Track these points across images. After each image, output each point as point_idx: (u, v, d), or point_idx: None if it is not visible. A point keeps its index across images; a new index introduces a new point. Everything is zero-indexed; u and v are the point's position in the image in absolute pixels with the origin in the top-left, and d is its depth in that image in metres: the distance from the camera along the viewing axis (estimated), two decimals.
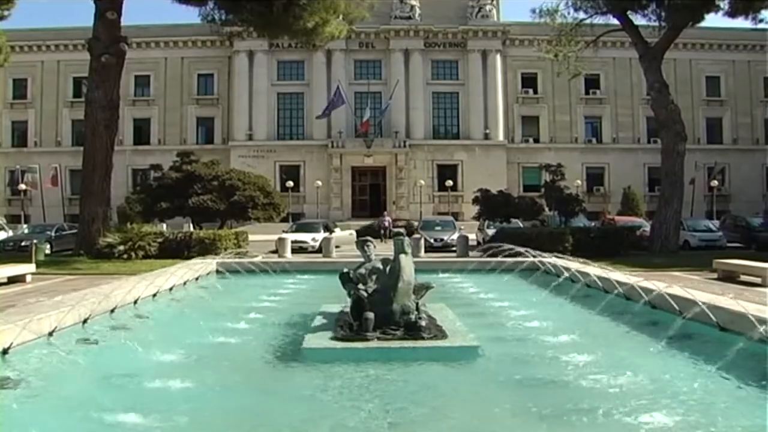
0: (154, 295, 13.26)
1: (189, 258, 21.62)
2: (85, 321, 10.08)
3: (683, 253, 29.74)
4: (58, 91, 63.14)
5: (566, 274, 15.27)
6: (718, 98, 64.36)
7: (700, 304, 9.41)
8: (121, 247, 25.64)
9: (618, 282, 12.54)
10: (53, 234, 35.52)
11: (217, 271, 18.46)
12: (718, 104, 64.35)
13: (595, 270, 14.54)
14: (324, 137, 61.18)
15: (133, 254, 25.52)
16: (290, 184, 56.21)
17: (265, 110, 61.92)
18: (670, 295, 10.33)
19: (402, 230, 9.78)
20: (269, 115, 62.20)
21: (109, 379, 7.57)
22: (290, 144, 61.83)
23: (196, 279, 16.81)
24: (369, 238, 10.52)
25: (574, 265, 15.90)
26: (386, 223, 39.39)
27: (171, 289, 14.40)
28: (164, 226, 36.44)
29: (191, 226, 36.94)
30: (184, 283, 15.59)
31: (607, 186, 62.85)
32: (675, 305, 10.11)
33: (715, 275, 18.95)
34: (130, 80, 60.30)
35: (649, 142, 61.17)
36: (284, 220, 44.56)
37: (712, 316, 9.14)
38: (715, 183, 56.68)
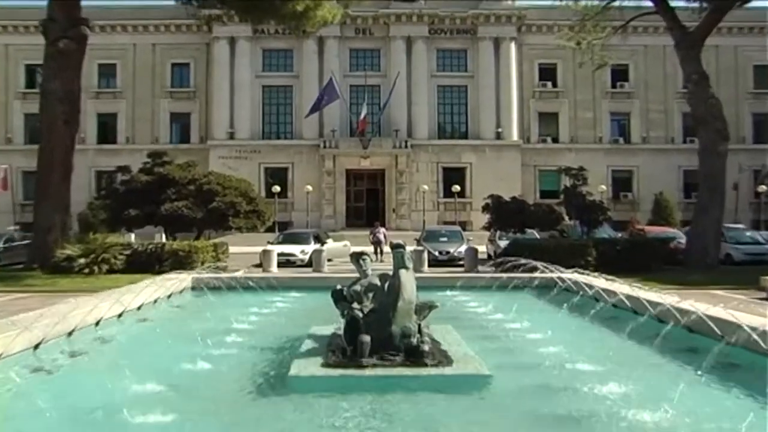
0: (120, 315, 13.19)
1: (160, 273, 21.55)
2: (36, 346, 9.98)
3: (724, 268, 29.60)
4: (8, 81, 63.01)
5: (589, 293, 15.20)
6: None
7: (745, 328, 9.31)
8: (82, 260, 25.49)
9: (649, 302, 12.47)
10: (1, 245, 35.32)
11: (193, 288, 18.40)
12: None
13: (622, 288, 14.47)
14: (315, 136, 61.20)
15: (95, 268, 25.36)
16: (277, 189, 56.15)
17: (249, 105, 61.96)
18: (710, 317, 10.26)
19: (402, 241, 9.72)
20: (253, 110, 62.24)
21: (64, 415, 7.45)
22: (277, 144, 61.84)
23: (169, 296, 16.73)
24: (365, 251, 10.47)
25: (599, 282, 15.82)
26: (381, 237, 38.37)
27: (139, 308, 14.32)
28: (132, 236, 36.30)
29: (163, 236, 36.78)
30: (155, 302, 15.52)
31: (635, 192, 62.85)
32: (716, 329, 10.03)
33: (763, 294, 18.82)
34: (93, 69, 60.22)
35: (684, 141, 61.18)
36: (269, 229, 44.28)
37: (761, 342, 9.04)
38: (763, 188, 56.37)
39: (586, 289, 15.65)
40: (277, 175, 60.41)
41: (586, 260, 25.79)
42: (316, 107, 57.47)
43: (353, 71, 62.37)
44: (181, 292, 17.74)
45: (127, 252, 26.78)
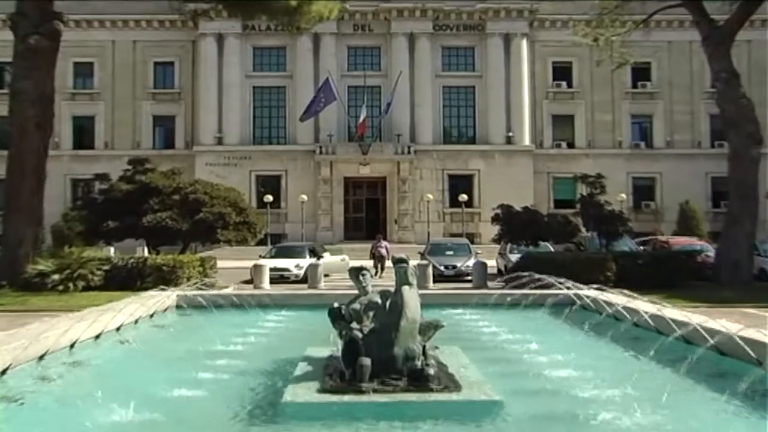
0: (97, 337, 13.15)
1: (142, 290, 21.50)
2: (3, 372, 9.93)
3: (758, 284, 29.44)
4: None
5: (609, 311, 15.17)
6: None
7: None
8: (56, 276, 25.39)
9: (675, 321, 12.42)
10: None
11: (178, 306, 18.37)
12: None
13: (645, 306, 14.43)
14: (310, 141, 61.25)
15: (71, 285, 25.23)
16: (269, 198, 56.21)
17: (238, 108, 62.05)
18: (743, 338, 10.21)
19: (405, 255, 9.70)
20: (243, 113, 62.32)
21: None
22: (269, 149, 61.91)
23: (151, 316, 16.70)
24: (365, 265, 10.44)
25: (619, 299, 15.80)
26: (382, 251, 38.22)
27: (119, 328, 14.28)
28: (112, 250, 36.27)
29: (145, 250, 36.74)
30: (136, 321, 15.48)
31: (658, 201, 62.85)
32: (751, 352, 9.99)
33: None
34: (68, 68, 60.37)
35: (713, 146, 61.20)
36: (261, 242, 44.29)
37: None
38: None
39: (606, 307, 15.61)
40: (270, 184, 60.45)
41: (605, 275, 25.72)
42: (313, 110, 57.46)
43: (351, 71, 62.49)
44: (164, 310, 17.70)
45: (106, 267, 26.67)
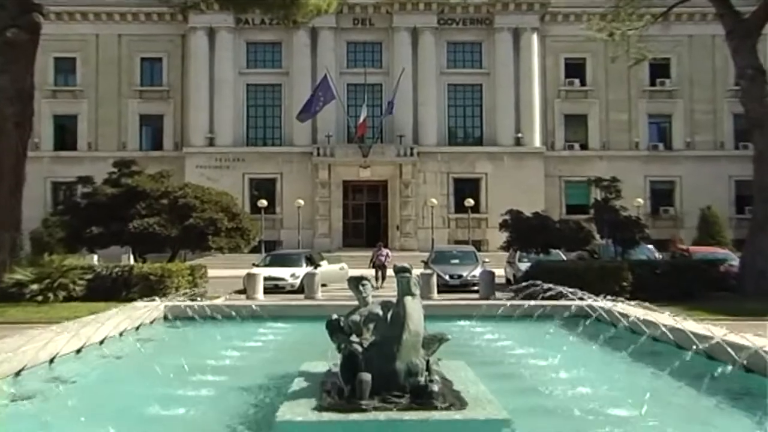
0: (79, 351, 13.12)
1: (128, 300, 21.45)
2: None
3: None
4: None
5: (625, 324, 15.14)
6: None
7: None
8: (35, 286, 25.36)
9: (696, 335, 12.39)
10: None
11: (166, 318, 18.34)
12: None
13: (663, 318, 14.40)
14: (307, 142, 61.27)
15: (51, 295, 25.21)
16: (263, 203, 56.17)
17: (231, 107, 62.08)
18: None
19: (407, 264, 9.69)
20: (236, 113, 62.36)
21: None
22: (263, 151, 61.95)
23: (137, 328, 16.68)
24: (365, 275, 10.42)
25: (636, 311, 15.76)
26: (383, 259, 38.14)
27: (102, 341, 14.26)
28: (95, 257, 36.20)
29: (132, 257, 36.77)
30: (121, 334, 15.46)
31: (678, 206, 62.83)
32: None
33: None
34: (49, 64, 60.47)
35: (737, 147, 61.19)
36: (255, 250, 44.46)
37: None
38: None
39: (621, 319, 15.58)
40: (264, 188, 60.48)
41: (620, 286, 25.71)
42: (312, 109, 57.19)
43: (351, 68, 62.55)
44: (151, 322, 17.68)
45: (89, 276, 26.64)
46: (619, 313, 16.11)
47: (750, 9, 32.09)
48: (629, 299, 17.96)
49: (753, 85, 31.47)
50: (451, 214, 61.01)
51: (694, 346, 12.06)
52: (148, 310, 17.78)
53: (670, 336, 13.24)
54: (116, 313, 16.46)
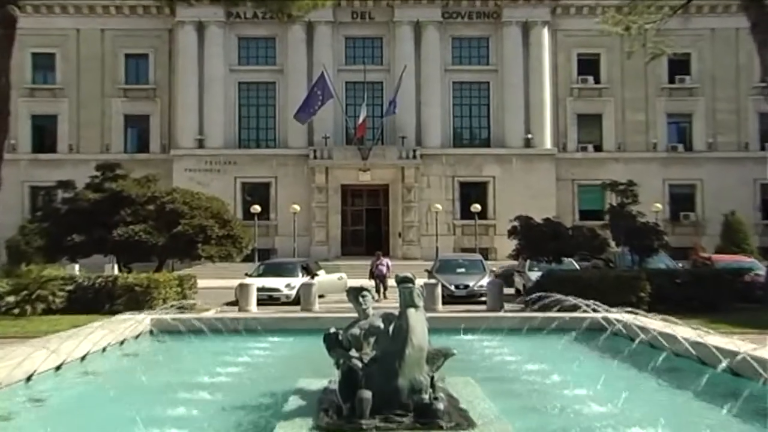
0: (58, 368, 13.11)
1: (112, 313, 21.48)
2: None
3: None
4: None
5: (643, 337, 15.12)
6: None
7: None
8: (12, 298, 25.37)
9: (720, 350, 12.37)
10: None
11: (152, 332, 18.33)
12: None
13: (685, 332, 14.40)
14: (303, 144, 61.24)
15: (28, 308, 25.24)
16: (256, 209, 56.14)
17: (222, 106, 62.05)
18: None
19: (410, 274, 9.69)
20: (227, 113, 62.32)
21: None
22: (256, 153, 61.95)
23: (122, 343, 16.67)
24: (365, 285, 10.42)
25: (655, 324, 15.76)
26: (383, 269, 38.03)
27: (84, 357, 14.24)
28: (76, 267, 36.18)
29: (116, 267, 36.76)
30: (104, 350, 15.44)
31: (699, 211, 62.72)
32: None
33: None
34: (26, 60, 60.57)
35: (762, 148, 61.14)
36: (248, 258, 44.39)
37: None
38: None
39: (640, 333, 15.56)
40: (257, 192, 60.45)
41: (637, 297, 25.71)
42: (310, 109, 56.90)
43: (350, 64, 62.52)
44: (137, 337, 17.67)
45: (70, 287, 26.67)
46: (637, 327, 16.09)
47: None
48: (647, 311, 17.96)
49: None
50: (456, 221, 60.95)
51: (719, 363, 12.03)
52: (133, 323, 17.78)
53: (693, 351, 13.22)
54: (99, 326, 16.46)
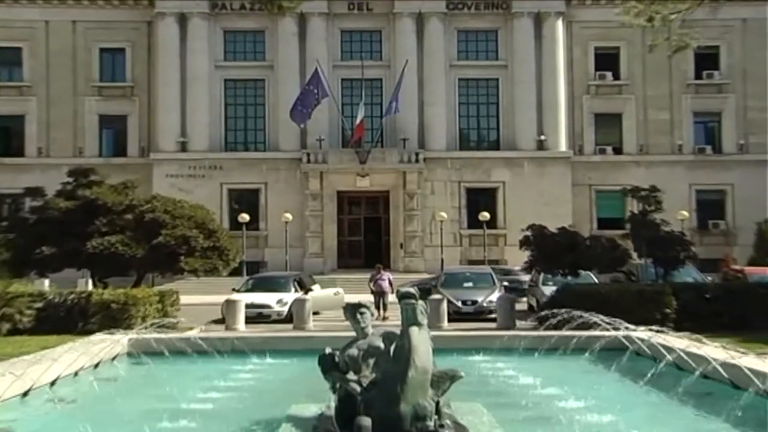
0: (25, 394, 13.07)
1: (85, 333, 21.44)
2: None
3: None
4: None
5: (669, 358, 15.08)
6: None
7: None
8: None
9: (755, 372, 12.33)
10: None
11: (130, 354, 18.29)
12: None
13: (715, 352, 14.36)
14: (296, 147, 61.20)
15: None
16: (245, 218, 56.12)
17: (206, 106, 62.01)
18: None
19: (412, 289, 9.66)
20: (212, 113, 62.26)
21: None
22: (244, 157, 61.94)
23: (96, 366, 16.63)
24: (364, 301, 10.39)
25: (681, 342, 15.72)
26: (384, 284, 37.70)
27: (54, 383, 14.21)
28: (46, 282, 36.17)
29: (90, 282, 36.74)
30: (76, 374, 15.41)
31: (729, 219, 62.63)
32: None
33: None
34: None
35: None
36: (235, 272, 44.32)
37: None
38: None
39: (665, 353, 15.52)
40: (246, 200, 60.44)
41: (662, 313, 25.71)
42: (306, 107, 56.75)
43: (346, 60, 62.54)
44: (113, 359, 17.63)
45: (39, 305, 26.64)
46: (662, 346, 16.05)
47: None
48: (673, 329, 17.92)
49: None
50: (463, 230, 60.89)
51: (753, 386, 12.00)
52: (109, 344, 17.75)
53: (724, 373, 13.18)
54: (71, 348, 16.42)
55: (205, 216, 36.38)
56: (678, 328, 18.48)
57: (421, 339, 8.93)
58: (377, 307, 34.42)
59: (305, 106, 56.63)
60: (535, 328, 23.69)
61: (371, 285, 37.46)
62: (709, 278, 39.09)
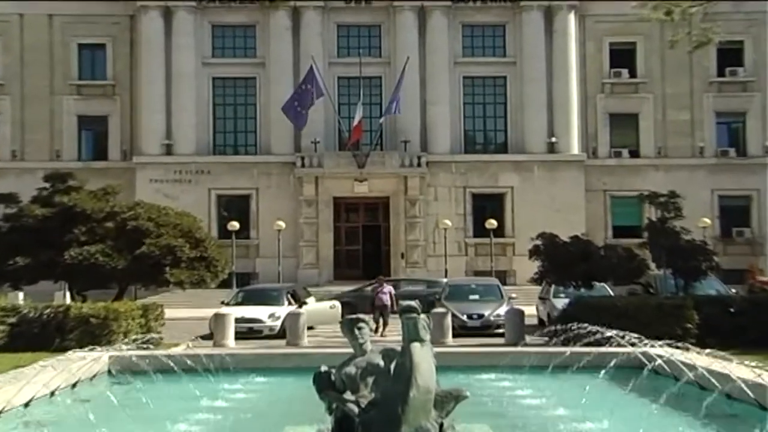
0: None
1: (62, 350, 21.40)
2: None
3: None
4: None
5: (690, 377, 15.06)
6: None
7: None
8: None
9: None
10: None
11: (111, 372, 18.26)
12: None
13: (741, 370, 14.33)
14: (289, 150, 61.25)
15: None
16: (235, 226, 56.13)
17: (193, 106, 62.04)
18: None
19: (415, 302, 9.64)
20: (199, 113, 62.30)
21: None
22: (234, 161, 62.00)
23: (74, 386, 16.60)
24: (362, 316, 10.37)
25: (703, 360, 15.70)
26: (385, 298, 37.41)
27: (27, 404, 14.18)
28: (20, 296, 36.16)
29: (68, 296, 36.71)
30: (52, 394, 15.38)
31: (755, 227, 62.55)
32: None
33: None
34: None
35: None
36: (224, 284, 44.29)
37: None
38: None
39: (686, 371, 15.50)
40: (236, 207, 60.49)
41: (683, 328, 25.71)
42: (304, 107, 56.71)
43: (343, 56, 62.62)
44: (92, 378, 17.61)
45: (12, 320, 26.66)
46: (683, 364, 16.02)
47: None
48: (695, 345, 17.88)
49: None
50: (468, 239, 60.93)
51: None
52: (88, 362, 17.71)
53: (750, 393, 13.15)
54: (47, 366, 16.39)
55: (192, 224, 36.37)
56: (700, 344, 18.45)
57: (423, 356, 8.91)
58: (377, 324, 34.35)
59: (303, 106, 56.52)
60: (545, 344, 23.67)
61: (372, 296, 37.10)
62: (734, 290, 39.06)
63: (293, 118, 56.91)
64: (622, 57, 63.70)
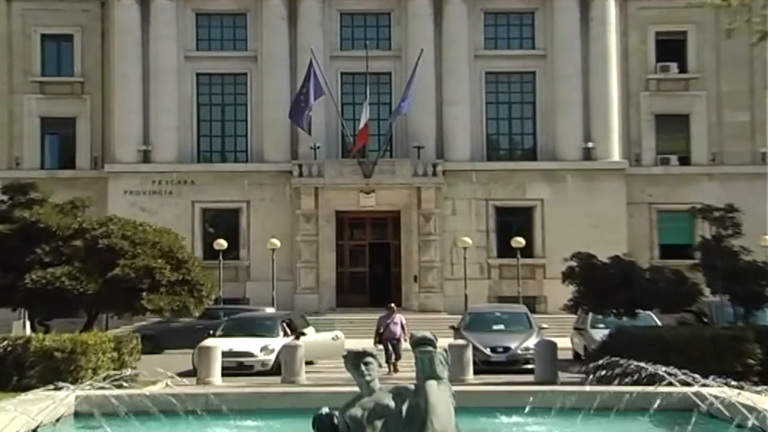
0: None
1: (21, 389, 21.40)
2: None
3: None
4: None
5: (752, 420, 15.00)
6: None
7: None
8: None
9: None
10: None
11: (78, 414, 18.24)
12: None
13: None
14: (284, 157, 61.44)
15: None
16: (222, 244, 56.29)
17: (174, 106, 62.26)
18: None
19: (430, 333, 9.63)
20: (182, 115, 62.52)
21: None
22: (222, 170, 62.25)
23: (35, 431, 16.58)
24: (369, 350, 10.36)
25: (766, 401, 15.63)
26: (396, 329, 36.95)
27: None
28: None
29: (28, 325, 36.77)
30: None
31: None
32: None
33: None
34: None
35: None
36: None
37: None
38: None
39: (746, 413, 15.44)
40: (223, 222, 60.85)
41: (743, 364, 25.63)
42: (310, 107, 56.88)
43: (347, 49, 62.98)
44: (56, 421, 17.57)
45: None
46: (743, 405, 15.96)
47: None
48: (758, 383, 17.82)
49: None
50: (492, 260, 61.02)
51: None
52: (51, 403, 17.70)
53: None
54: (3, 409, 16.40)
55: (173, 242, 36.43)
56: (763, 382, 18.40)
57: (440, 396, 8.92)
58: (387, 359, 34.26)
59: (309, 107, 56.44)
60: (582, 382, 23.61)
61: (381, 330, 36.50)
62: None
63: (304, 124, 56.77)
64: (671, 49, 63.85)
